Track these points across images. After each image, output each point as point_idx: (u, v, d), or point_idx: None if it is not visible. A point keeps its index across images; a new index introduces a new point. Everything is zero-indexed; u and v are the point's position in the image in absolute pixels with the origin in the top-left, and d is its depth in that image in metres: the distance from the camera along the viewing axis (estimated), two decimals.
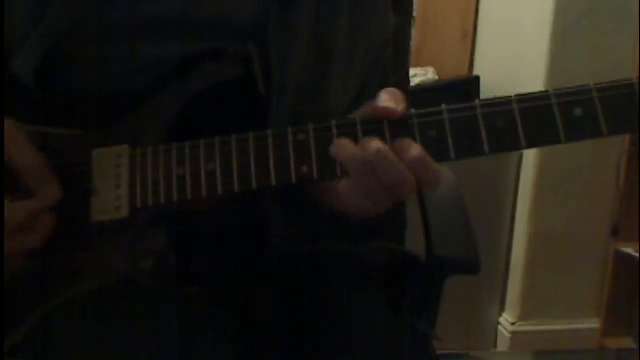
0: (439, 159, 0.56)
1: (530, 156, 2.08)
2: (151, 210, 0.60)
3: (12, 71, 0.62)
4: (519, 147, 0.56)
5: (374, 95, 0.59)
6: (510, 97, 0.56)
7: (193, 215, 0.64)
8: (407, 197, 0.58)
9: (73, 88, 0.64)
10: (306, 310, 0.70)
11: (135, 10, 0.63)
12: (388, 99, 0.57)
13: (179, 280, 0.63)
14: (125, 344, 0.59)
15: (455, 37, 2.40)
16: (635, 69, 1.92)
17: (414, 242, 0.90)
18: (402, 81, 0.95)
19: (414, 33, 2.31)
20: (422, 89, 2.18)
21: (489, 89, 2.14)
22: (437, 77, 2.29)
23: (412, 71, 2.16)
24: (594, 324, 2.18)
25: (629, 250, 2.04)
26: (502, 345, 2.22)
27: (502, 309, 2.25)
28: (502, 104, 0.56)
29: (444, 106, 0.57)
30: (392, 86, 0.61)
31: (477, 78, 2.22)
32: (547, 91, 0.56)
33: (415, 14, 2.25)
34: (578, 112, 0.55)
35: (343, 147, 0.57)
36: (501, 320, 2.24)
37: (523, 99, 0.56)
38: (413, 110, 0.57)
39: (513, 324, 2.19)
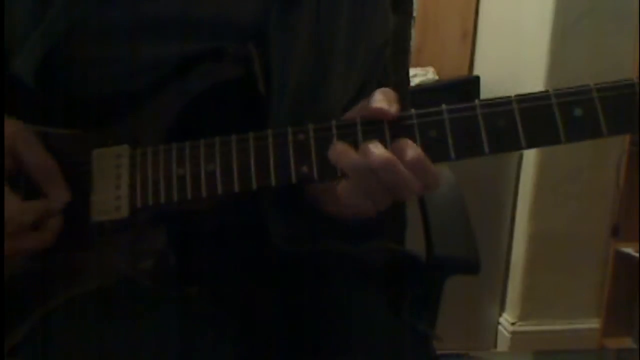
0: (439, 159, 0.56)
1: (530, 156, 2.08)
2: (151, 210, 0.60)
3: (12, 71, 0.62)
4: (519, 147, 0.56)
5: None
6: (510, 97, 0.56)
7: (193, 215, 0.64)
8: (407, 198, 0.58)
9: (73, 88, 0.64)
10: (306, 310, 0.70)
11: (135, 10, 0.63)
12: (381, 99, 0.57)
13: (179, 280, 0.63)
14: (125, 344, 0.59)
15: (455, 37, 2.40)
16: (635, 69, 1.92)
17: (414, 242, 0.90)
18: (402, 81, 0.95)
19: (414, 33, 2.31)
20: (422, 89, 2.18)
21: (489, 89, 2.14)
22: (437, 77, 2.29)
23: (412, 71, 2.16)
24: (594, 324, 2.18)
25: (629, 250, 2.04)
26: (502, 345, 2.22)
27: (502, 309, 2.25)
28: (502, 104, 0.56)
29: (443, 106, 0.57)
30: (392, 86, 0.61)
31: (477, 78, 2.22)
32: (547, 91, 0.55)
33: (415, 14, 2.25)
34: (578, 112, 0.55)
35: (343, 154, 0.57)
36: (501, 320, 2.24)
37: (523, 99, 0.56)
38: (413, 110, 0.57)
39: (513, 324, 2.19)
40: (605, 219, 2.12)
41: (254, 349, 0.66)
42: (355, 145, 0.57)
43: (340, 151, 0.57)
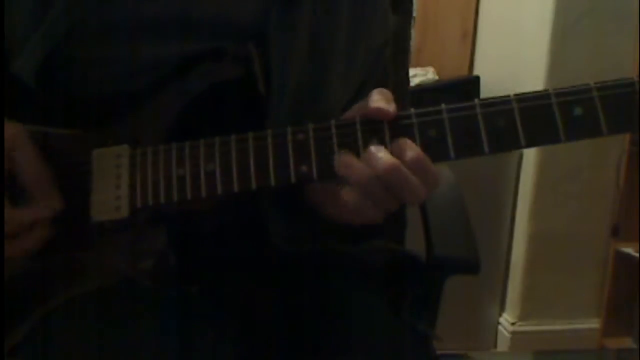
0: (438, 158, 0.56)
1: (530, 156, 2.08)
2: (151, 210, 0.60)
3: (13, 71, 0.62)
4: (519, 147, 0.56)
5: None
6: (510, 96, 0.56)
7: (193, 215, 0.64)
8: (412, 202, 0.58)
9: (73, 88, 0.64)
10: (306, 310, 0.70)
11: (135, 10, 0.63)
12: (380, 99, 0.57)
13: (179, 280, 0.63)
14: (125, 344, 0.59)
15: (455, 37, 2.40)
16: (635, 69, 1.92)
17: (414, 242, 0.90)
18: (402, 81, 0.95)
19: (414, 33, 2.31)
20: (422, 89, 2.18)
21: (489, 89, 2.14)
22: (437, 77, 2.29)
23: (412, 71, 2.16)
24: (594, 324, 2.18)
25: (629, 250, 2.04)
26: (502, 345, 2.22)
27: (502, 309, 2.25)
28: (501, 103, 0.56)
29: (443, 106, 0.56)
30: (392, 86, 0.61)
31: (477, 78, 2.22)
32: (546, 90, 0.55)
33: (415, 14, 2.25)
34: (578, 111, 0.55)
35: (349, 167, 0.56)
36: (501, 320, 2.24)
37: (522, 98, 0.56)
38: (412, 110, 0.57)
39: (513, 324, 2.19)
40: (605, 219, 2.12)
41: (254, 349, 0.66)
42: (355, 145, 0.57)
43: (346, 164, 0.56)
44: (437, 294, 0.86)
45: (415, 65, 2.28)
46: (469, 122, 0.56)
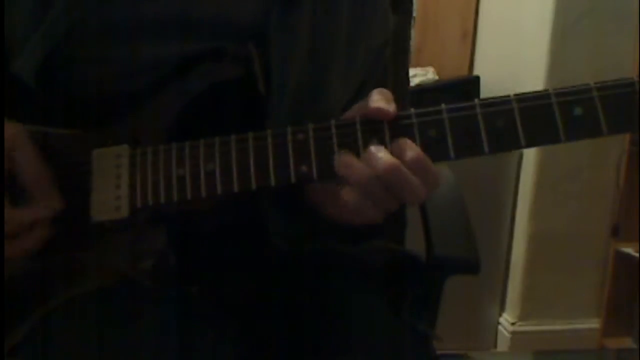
0: (438, 158, 0.56)
1: (530, 156, 2.08)
2: (151, 210, 0.60)
3: (13, 71, 0.62)
4: (519, 147, 0.56)
5: None
6: (510, 96, 0.56)
7: (193, 215, 0.64)
8: (413, 202, 0.58)
9: (73, 88, 0.64)
10: (306, 310, 0.70)
11: (135, 10, 0.63)
12: (380, 99, 0.57)
13: (179, 280, 0.63)
14: (125, 344, 0.59)
15: (455, 37, 2.40)
16: (635, 69, 1.92)
17: (414, 242, 0.90)
18: (402, 81, 0.95)
19: (414, 33, 2.31)
20: (422, 89, 2.18)
21: (489, 89, 2.14)
22: (437, 77, 2.29)
23: (412, 71, 2.16)
24: (594, 324, 2.18)
25: (629, 250, 2.04)
26: (502, 345, 2.22)
27: (502, 309, 2.25)
28: (501, 103, 0.56)
29: (443, 106, 0.56)
30: (392, 86, 0.60)
31: (477, 78, 2.22)
32: (546, 90, 0.55)
33: (415, 14, 2.25)
34: (578, 111, 0.55)
35: (350, 167, 0.56)
36: (501, 320, 2.24)
37: (522, 98, 0.56)
38: (412, 110, 0.57)
39: (513, 324, 2.19)
40: (605, 219, 2.12)
41: (254, 349, 0.66)
42: (355, 145, 0.57)
43: (346, 164, 0.56)
44: (437, 294, 0.86)
45: (415, 65, 2.28)
46: (469, 122, 0.56)
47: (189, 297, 0.66)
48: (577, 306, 2.20)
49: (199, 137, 0.59)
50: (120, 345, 0.59)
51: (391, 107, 0.57)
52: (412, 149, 0.55)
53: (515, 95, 0.56)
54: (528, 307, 2.17)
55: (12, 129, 0.58)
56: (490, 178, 2.11)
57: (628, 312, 2.09)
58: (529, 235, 2.12)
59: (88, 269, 0.61)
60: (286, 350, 0.67)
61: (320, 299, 0.71)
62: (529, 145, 0.55)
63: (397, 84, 0.89)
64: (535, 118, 0.55)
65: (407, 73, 0.98)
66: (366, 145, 0.57)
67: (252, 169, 0.58)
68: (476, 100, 0.56)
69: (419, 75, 2.24)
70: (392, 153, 0.55)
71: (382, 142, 0.56)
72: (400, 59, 0.92)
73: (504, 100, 0.56)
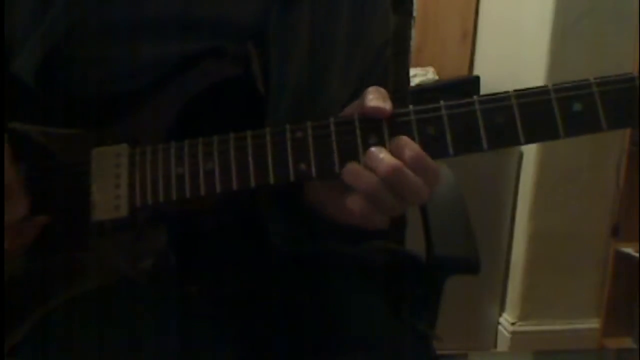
0: (437, 155, 0.56)
1: (530, 156, 2.08)
2: (151, 210, 0.60)
3: (12, 71, 0.62)
4: (518, 143, 0.55)
5: None
6: (509, 92, 0.55)
7: (193, 215, 0.64)
8: (416, 203, 0.57)
9: (73, 88, 0.64)
10: (306, 311, 0.70)
11: (135, 10, 0.63)
12: (376, 98, 0.57)
13: (179, 280, 0.63)
14: (125, 343, 0.59)
15: (455, 37, 2.40)
16: (635, 69, 1.92)
17: (414, 242, 0.90)
18: (402, 81, 0.95)
19: (414, 33, 2.31)
20: (422, 89, 2.18)
21: (489, 89, 2.12)
22: (437, 77, 2.29)
23: (412, 71, 2.16)
24: (594, 324, 2.18)
25: (629, 250, 2.04)
26: (502, 345, 2.22)
27: (502, 309, 2.25)
28: (500, 99, 0.56)
29: (442, 102, 0.56)
30: (392, 86, 0.60)
31: (477, 78, 2.22)
32: (545, 86, 0.55)
33: (415, 14, 2.24)
34: (577, 106, 0.54)
35: (356, 174, 0.56)
36: (501, 320, 2.24)
37: (521, 94, 0.55)
38: (411, 107, 0.57)
39: (513, 324, 2.19)
40: (605, 219, 2.12)
41: (254, 349, 0.66)
42: (354, 143, 0.57)
43: (353, 172, 0.56)
44: (437, 294, 0.86)
45: (415, 65, 2.28)
46: (467, 118, 0.56)
47: (189, 297, 0.66)
48: (577, 306, 2.20)
49: (198, 136, 0.59)
50: (120, 345, 0.59)
51: (387, 105, 0.56)
52: (411, 147, 0.55)
53: (515, 91, 0.55)
54: (528, 307, 2.17)
55: None
56: (490, 178, 2.11)
57: (628, 312, 2.09)
58: (529, 235, 2.12)
59: (88, 269, 0.61)
60: (286, 350, 0.67)
61: (320, 299, 0.71)
62: (528, 142, 0.55)
63: (397, 84, 0.90)
64: (534, 114, 0.55)
65: (407, 73, 0.98)
66: (365, 142, 0.57)
67: (251, 168, 0.58)
68: (475, 97, 0.56)
69: (419, 75, 2.24)
70: (391, 152, 0.55)
71: (381, 139, 0.56)
72: (401, 59, 0.92)
73: (503, 97, 0.55)
